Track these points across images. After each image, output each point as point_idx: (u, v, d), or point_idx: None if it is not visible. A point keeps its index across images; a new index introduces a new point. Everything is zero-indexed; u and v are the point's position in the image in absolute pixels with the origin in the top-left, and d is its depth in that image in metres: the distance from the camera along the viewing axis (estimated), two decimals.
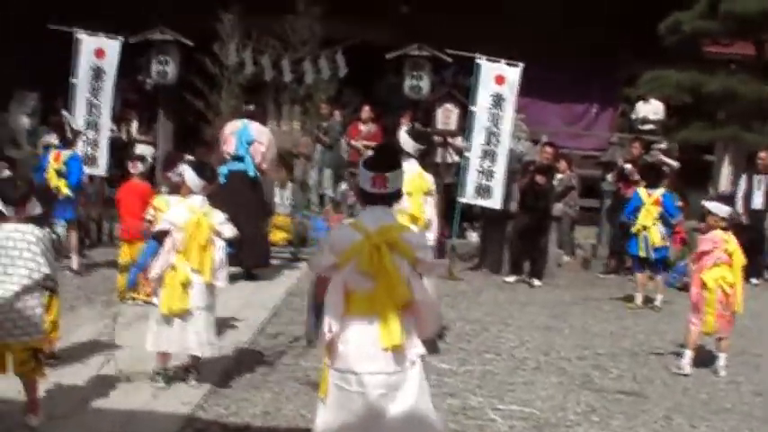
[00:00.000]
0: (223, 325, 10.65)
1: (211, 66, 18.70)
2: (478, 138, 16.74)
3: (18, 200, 7.19)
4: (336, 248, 5.73)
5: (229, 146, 14.42)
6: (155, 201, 11.23)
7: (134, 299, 12.06)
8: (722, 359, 10.78)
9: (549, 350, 11.35)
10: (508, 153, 16.76)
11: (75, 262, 14.35)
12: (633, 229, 14.68)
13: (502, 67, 16.78)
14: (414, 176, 10.32)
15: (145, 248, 9.65)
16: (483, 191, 16.69)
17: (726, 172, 20.89)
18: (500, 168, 16.69)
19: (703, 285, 10.67)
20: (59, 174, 14.08)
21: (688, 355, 10.69)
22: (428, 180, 10.91)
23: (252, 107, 15.24)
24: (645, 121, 21.23)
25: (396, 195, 5.87)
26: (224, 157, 14.42)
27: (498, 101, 16.68)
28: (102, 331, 10.44)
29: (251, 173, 14.27)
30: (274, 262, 15.54)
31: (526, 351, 11.24)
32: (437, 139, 19.21)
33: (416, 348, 5.66)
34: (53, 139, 15.33)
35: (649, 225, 14.55)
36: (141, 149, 19.60)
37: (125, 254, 12.63)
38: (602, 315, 13.94)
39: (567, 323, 13.11)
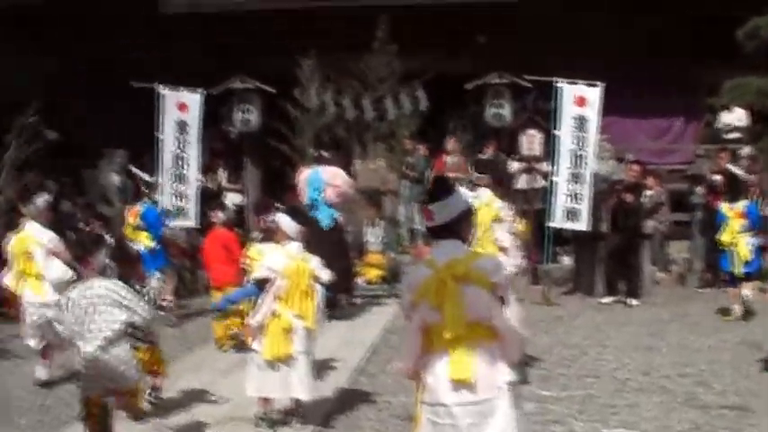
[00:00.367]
0: (323, 366, 10.72)
1: (293, 110, 18.84)
2: (564, 161, 16.66)
3: (86, 255, 7.35)
4: (411, 286, 5.76)
5: (303, 194, 14.58)
6: (248, 250, 11.31)
7: (232, 347, 12.18)
8: None
9: (650, 369, 11.23)
10: (594, 174, 16.67)
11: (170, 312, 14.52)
12: (722, 245, 14.50)
13: (582, 89, 16.70)
14: (480, 206, 10.32)
15: (240, 290, 9.77)
16: (571, 214, 16.60)
17: None
18: (587, 190, 16.59)
19: None
20: (137, 228, 14.31)
21: None
22: (496, 207, 10.92)
23: (323, 153, 15.38)
24: (730, 129, 20.95)
25: (449, 227, 5.83)
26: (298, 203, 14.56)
27: (581, 123, 16.60)
28: (203, 380, 10.57)
29: (326, 220, 14.37)
30: (370, 300, 15.59)
31: (627, 372, 11.13)
32: (521, 165, 19.15)
33: (503, 375, 5.64)
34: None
35: (736, 240, 14.35)
36: (230, 198, 19.85)
37: (218, 301, 12.77)
38: (700, 330, 13.75)
39: (665, 341, 12.95)
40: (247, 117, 19.63)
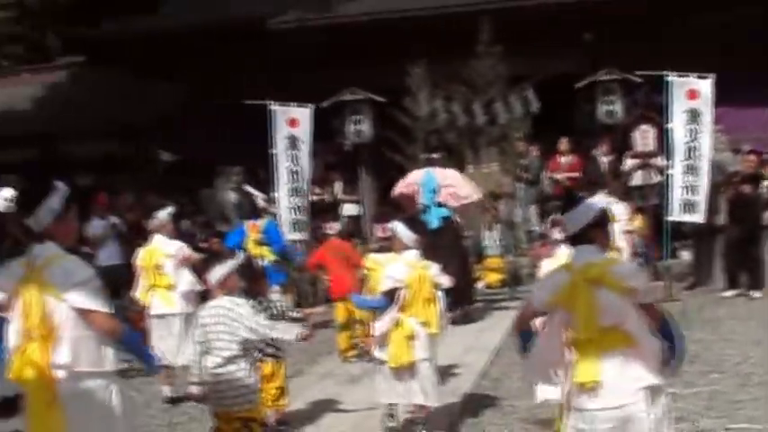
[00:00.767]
0: (446, 372, 10.77)
1: (404, 119, 18.92)
2: (678, 154, 16.46)
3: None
4: (548, 286, 5.84)
5: (416, 196, 14.63)
6: (366, 261, 11.40)
7: (356, 357, 12.29)
8: None
9: None
10: (710, 166, 16.44)
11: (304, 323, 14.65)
12: None
13: (693, 81, 16.45)
14: None
15: (371, 302, 9.84)
16: (688, 206, 16.35)
17: None
18: (703, 182, 16.36)
19: None
20: (259, 243, 14.50)
21: None
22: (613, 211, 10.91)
23: (434, 155, 15.42)
24: None
25: (582, 235, 5.90)
26: (414, 207, 14.61)
27: (694, 115, 16.35)
28: (329, 391, 10.69)
29: (436, 223, 14.41)
30: (491, 304, 15.59)
31: (751, 366, 10.97)
32: (635, 162, 18.99)
33: (642, 381, 5.63)
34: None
35: None
36: (348, 209, 20.04)
37: (341, 312, 12.91)
38: None
39: None
40: (360, 128, 19.80)
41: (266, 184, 17.36)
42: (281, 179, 17.16)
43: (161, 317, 10.99)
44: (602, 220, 6.04)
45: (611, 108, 19.34)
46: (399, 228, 8.99)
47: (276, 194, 16.86)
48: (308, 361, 12.76)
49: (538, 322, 6.06)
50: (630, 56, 18.46)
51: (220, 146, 21.29)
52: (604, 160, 19.56)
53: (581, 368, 5.63)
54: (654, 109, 18.83)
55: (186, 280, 11.10)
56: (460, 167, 17.30)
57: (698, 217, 16.29)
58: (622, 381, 5.60)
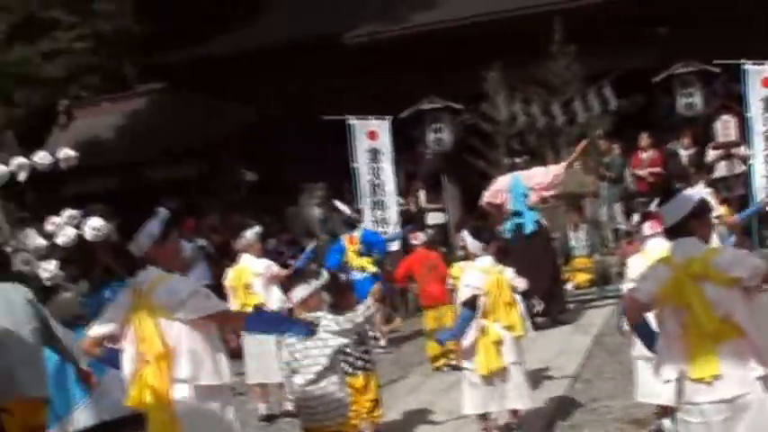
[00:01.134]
0: (538, 375, 10.76)
1: (484, 124, 18.90)
2: (758, 143, 16.27)
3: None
4: (653, 281, 5.82)
5: (506, 203, 14.59)
6: (452, 269, 11.43)
7: (447, 366, 12.31)
8: None
9: None
10: None
11: (382, 338, 14.72)
12: None
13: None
14: None
15: (457, 318, 9.86)
16: None
17: None
18: None
19: None
20: (360, 254, 14.56)
21: None
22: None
23: (517, 159, 15.38)
24: None
25: (680, 227, 5.88)
26: (504, 214, 14.59)
27: None
28: (421, 401, 10.72)
29: (530, 227, 14.38)
30: (580, 305, 15.52)
31: None
32: (718, 153, 18.78)
33: (755, 371, 5.59)
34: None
35: None
36: (432, 218, 20.06)
37: (430, 321, 12.94)
38: None
39: None
40: (440, 136, 19.78)
41: (351, 199, 17.46)
42: (364, 193, 17.25)
43: (253, 336, 11.08)
44: (702, 210, 6.01)
45: (691, 100, 19.08)
46: (466, 236, 9.04)
47: (361, 208, 16.94)
48: (400, 372, 12.81)
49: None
50: (706, 46, 18.25)
51: (303, 163, 21.44)
52: (683, 153, 19.38)
53: (697, 363, 5.61)
54: (733, 98, 18.62)
55: (276, 298, 11.14)
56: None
57: None
58: (737, 371, 5.58)
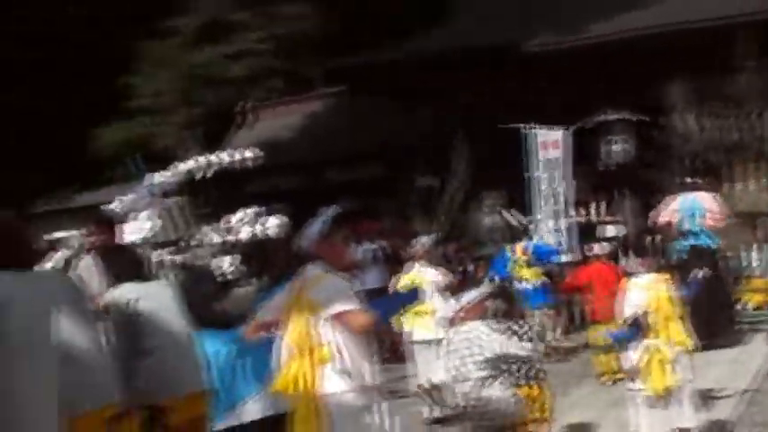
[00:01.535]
0: (709, 395, 10.58)
1: (664, 137, 18.64)
2: None
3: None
4: None
5: (679, 222, 14.40)
6: (626, 284, 11.33)
7: (615, 381, 12.21)
8: None
9: None
10: None
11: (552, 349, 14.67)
12: None
13: None
14: None
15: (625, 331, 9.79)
16: None
17: None
18: None
19: None
20: (528, 264, 14.56)
21: None
22: None
23: (697, 180, 15.15)
24: None
25: None
26: (674, 233, 14.41)
27: None
28: (587, 415, 10.67)
29: (710, 244, 14.16)
30: (755, 326, 15.20)
31: None
32: None
33: None
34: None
35: None
36: (609, 230, 19.86)
37: (600, 336, 12.84)
38: None
39: None
40: (618, 148, 19.61)
41: (525, 208, 17.45)
42: (540, 202, 17.21)
43: (422, 343, 11.20)
44: None
45: None
46: (630, 254, 8.98)
47: (535, 218, 16.91)
48: (566, 384, 12.73)
49: None
50: None
51: (479, 170, 21.50)
52: None
53: None
54: None
55: (448, 306, 11.20)
56: (719, 186, 16.95)
57: None
58: None
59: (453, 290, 11.09)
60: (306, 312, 6.11)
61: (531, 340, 8.00)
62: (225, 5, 28.92)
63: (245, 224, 12.23)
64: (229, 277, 11.91)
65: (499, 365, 7.33)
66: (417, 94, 23.27)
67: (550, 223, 17.27)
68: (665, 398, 8.54)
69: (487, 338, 7.28)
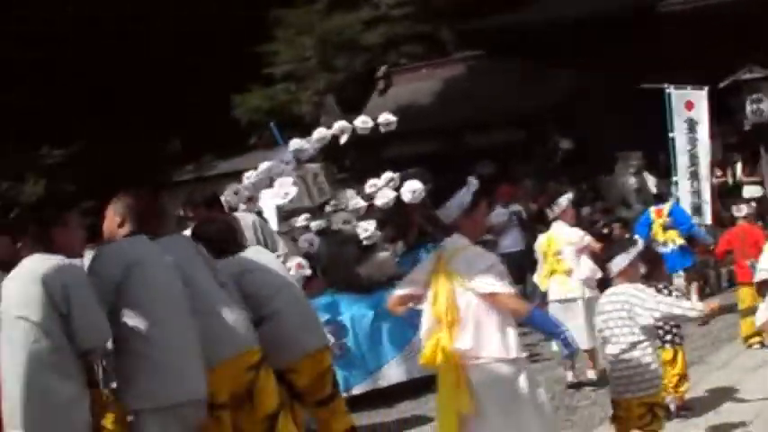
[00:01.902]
0: None
1: None
2: None
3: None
4: None
5: None
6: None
7: (762, 344, 12.02)
8: None
9: None
10: None
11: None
12: None
13: None
14: None
15: None
16: None
17: None
18: None
19: None
20: (665, 228, 14.39)
21: None
22: None
23: None
24: None
25: None
26: None
27: None
28: (730, 378, 10.54)
29: None
30: None
31: None
32: None
33: None
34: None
35: None
36: (749, 191, 19.50)
37: (746, 298, 12.62)
38: None
39: None
40: (759, 107, 19.17)
41: (666, 169, 17.21)
42: (680, 163, 16.94)
43: (561, 302, 11.14)
44: None
45: None
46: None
47: (675, 179, 16.67)
48: (710, 347, 12.57)
49: None
50: None
51: (618, 131, 21.28)
52: None
53: None
54: None
55: (586, 266, 11.13)
56: None
57: None
58: None
59: (594, 254, 11.02)
60: (449, 283, 6.14)
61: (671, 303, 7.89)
62: None
63: (384, 189, 12.32)
64: (368, 242, 12.04)
65: (649, 330, 7.26)
66: (554, 56, 23.06)
67: (690, 185, 16.96)
68: None
69: (640, 302, 7.21)
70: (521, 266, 15.78)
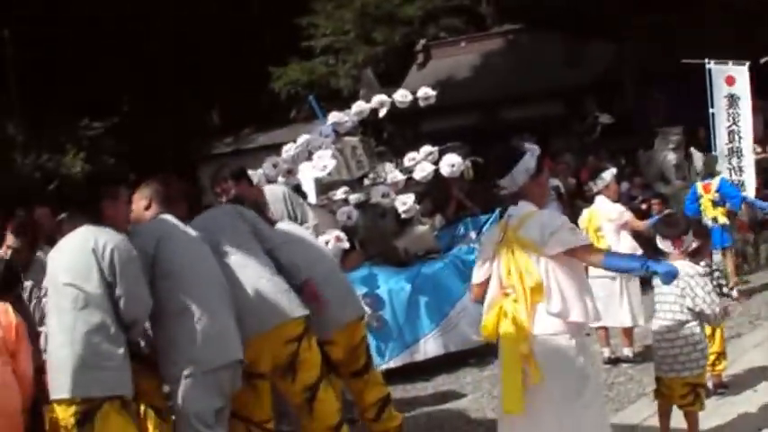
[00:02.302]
0: None
1: None
2: None
3: (675, 236, 7.51)
4: None
5: None
6: None
7: None
8: None
9: None
10: None
11: (734, 289, 14.39)
12: None
13: None
14: None
15: None
16: None
17: None
18: None
19: None
20: (714, 203, 14.33)
21: None
22: None
23: None
24: None
25: None
26: None
27: None
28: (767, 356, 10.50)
29: None
30: None
31: None
32: None
33: None
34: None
35: None
36: None
37: None
38: None
39: None
40: None
41: (707, 146, 17.09)
42: (721, 139, 16.83)
43: (599, 278, 11.08)
44: None
45: None
46: None
47: (716, 154, 16.56)
48: (747, 325, 12.50)
49: None
50: None
51: (659, 106, 21.17)
52: None
53: None
54: None
55: (626, 243, 11.07)
56: None
57: None
58: None
59: (634, 230, 10.98)
60: (519, 251, 6.03)
61: (726, 283, 7.87)
62: None
63: (422, 162, 12.30)
64: (406, 216, 12.04)
65: (697, 307, 7.21)
66: (594, 30, 22.95)
67: (733, 160, 16.84)
68: None
69: (693, 281, 7.18)
70: None
